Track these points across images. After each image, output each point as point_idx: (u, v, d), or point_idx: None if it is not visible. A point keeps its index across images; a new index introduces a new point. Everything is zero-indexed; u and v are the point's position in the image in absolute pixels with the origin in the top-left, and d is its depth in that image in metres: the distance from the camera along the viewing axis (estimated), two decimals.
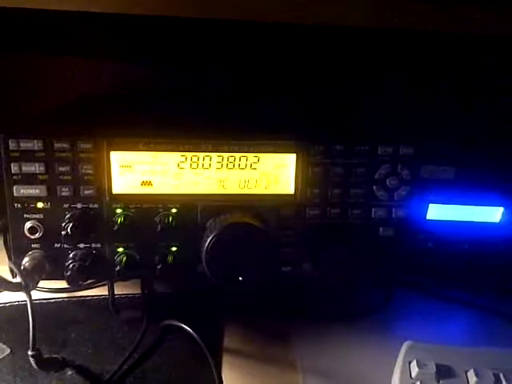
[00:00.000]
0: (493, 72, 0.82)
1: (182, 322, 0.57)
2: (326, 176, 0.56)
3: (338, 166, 0.56)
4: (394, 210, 0.58)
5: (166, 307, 0.62)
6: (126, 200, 0.55)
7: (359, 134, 0.58)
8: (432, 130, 0.63)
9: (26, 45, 0.80)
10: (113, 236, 0.56)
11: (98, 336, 0.58)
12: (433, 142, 0.59)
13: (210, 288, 0.63)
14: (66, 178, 0.54)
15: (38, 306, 0.58)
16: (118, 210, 0.55)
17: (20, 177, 0.53)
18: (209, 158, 0.55)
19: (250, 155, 0.55)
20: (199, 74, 0.83)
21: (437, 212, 0.62)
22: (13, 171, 0.53)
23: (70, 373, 0.52)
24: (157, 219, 0.55)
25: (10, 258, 0.56)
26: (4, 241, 0.58)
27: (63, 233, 0.53)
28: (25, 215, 0.54)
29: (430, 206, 0.62)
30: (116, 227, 0.54)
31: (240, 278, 0.53)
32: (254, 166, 0.56)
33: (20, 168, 0.53)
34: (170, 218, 0.55)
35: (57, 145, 0.53)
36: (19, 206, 0.54)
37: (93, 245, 0.56)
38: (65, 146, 0.53)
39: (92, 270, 0.55)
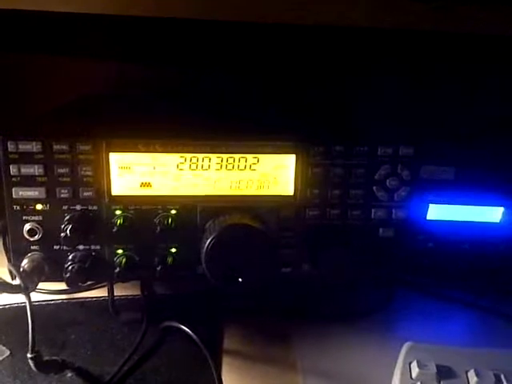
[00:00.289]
0: (493, 72, 0.82)
1: (181, 324, 0.57)
2: (325, 177, 0.56)
3: (337, 166, 0.56)
4: (394, 210, 0.58)
5: (166, 309, 0.62)
6: (126, 201, 0.55)
7: (359, 134, 0.58)
8: (432, 131, 0.63)
9: (25, 46, 0.80)
10: (112, 237, 0.56)
11: (97, 337, 0.57)
12: (432, 143, 0.59)
13: (209, 289, 0.64)
14: (64, 179, 0.54)
15: (37, 308, 0.58)
16: (118, 212, 0.55)
17: (19, 179, 0.53)
18: (208, 159, 0.55)
19: (250, 156, 0.55)
20: (198, 75, 0.83)
21: (437, 212, 0.62)
22: (12, 173, 0.53)
23: (69, 375, 0.52)
24: (156, 220, 0.55)
25: (9, 260, 0.56)
26: (3, 243, 0.58)
27: (62, 234, 0.53)
28: (24, 217, 0.54)
29: (430, 206, 0.62)
30: (115, 229, 0.54)
31: (240, 280, 0.53)
32: (253, 167, 0.55)
33: (19, 170, 0.53)
34: (170, 220, 0.55)
35: (56, 146, 0.53)
36: (18, 208, 0.54)
37: (92, 246, 0.56)
38: (64, 147, 0.53)
39: (91, 271, 0.55)
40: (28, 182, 0.53)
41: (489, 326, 0.63)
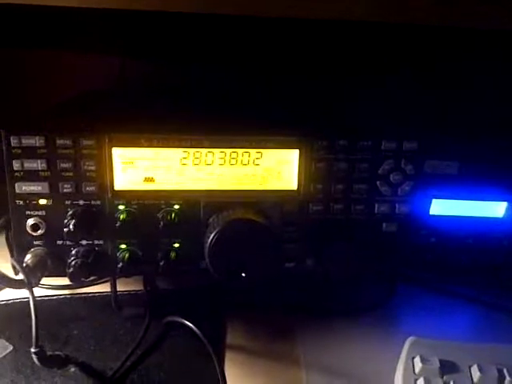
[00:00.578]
0: (496, 66, 0.82)
1: (184, 319, 0.57)
2: (329, 171, 0.56)
3: (341, 161, 0.56)
4: (397, 205, 0.58)
5: (169, 303, 0.62)
6: (129, 196, 0.55)
7: (362, 129, 0.58)
8: (435, 125, 0.62)
9: (27, 41, 0.80)
10: (115, 232, 0.55)
11: (100, 333, 0.57)
12: (436, 137, 0.59)
13: (212, 284, 0.64)
14: (68, 174, 0.54)
15: (40, 303, 0.58)
16: (121, 207, 0.55)
17: (22, 173, 0.53)
18: (211, 154, 0.55)
19: (253, 151, 0.55)
20: (202, 70, 0.83)
21: (440, 207, 0.62)
22: (15, 168, 0.53)
23: (72, 370, 0.52)
24: (159, 215, 0.55)
25: (12, 255, 0.56)
26: (6, 238, 0.58)
27: (65, 229, 0.53)
28: (27, 212, 0.54)
29: (434, 201, 0.62)
30: (118, 224, 0.54)
31: (243, 274, 0.53)
32: (256, 161, 0.55)
33: (22, 165, 0.53)
34: (173, 215, 0.55)
35: (59, 141, 0.52)
36: (21, 202, 0.54)
37: (95, 241, 0.56)
38: (67, 142, 0.53)
39: (94, 266, 0.55)
40: (31, 176, 0.53)
41: (492, 321, 0.63)
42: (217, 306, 0.63)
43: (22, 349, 0.54)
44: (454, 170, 0.60)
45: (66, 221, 0.53)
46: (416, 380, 0.49)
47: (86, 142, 0.53)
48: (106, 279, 0.63)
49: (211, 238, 0.52)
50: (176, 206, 0.56)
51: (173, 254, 0.56)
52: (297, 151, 0.55)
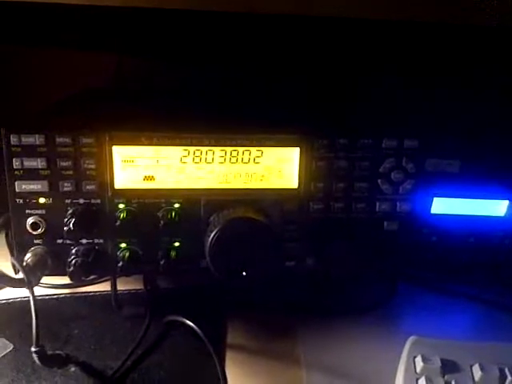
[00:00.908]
0: (498, 64, 0.81)
1: (185, 318, 0.57)
2: (329, 170, 0.56)
3: (341, 159, 0.56)
4: (398, 203, 0.57)
5: (169, 303, 0.62)
6: (129, 195, 0.55)
7: (363, 127, 0.58)
8: (436, 123, 0.62)
9: (26, 39, 0.80)
10: (115, 231, 0.55)
11: (100, 332, 0.57)
12: (437, 135, 0.59)
13: (213, 283, 0.63)
14: (67, 173, 0.53)
15: (40, 302, 0.58)
16: (121, 205, 0.55)
17: (22, 172, 0.53)
18: (212, 152, 0.55)
19: (253, 149, 0.55)
20: (202, 68, 0.83)
21: (441, 206, 0.62)
22: (14, 166, 0.53)
23: (73, 369, 0.52)
24: (159, 214, 0.55)
25: (12, 254, 0.56)
26: (6, 237, 0.58)
27: (65, 228, 0.53)
28: (27, 211, 0.54)
29: (435, 199, 0.61)
30: (118, 222, 0.54)
31: (243, 273, 0.53)
32: (257, 160, 0.55)
33: (22, 163, 0.52)
34: (173, 213, 0.55)
35: (58, 139, 0.52)
36: (21, 201, 0.54)
37: (95, 240, 0.56)
38: (67, 140, 0.52)
39: (94, 265, 0.55)
40: (31, 175, 0.53)
41: (493, 320, 0.63)
42: (217, 305, 0.63)
43: (23, 348, 0.54)
44: (456, 168, 0.60)
45: (66, 219, 0.53)
46: (417, 379, 0.48)
47: (85, 140, 0.53)
48: (106, 278, 0.63)
49: (212, 236, 0.51)
50: (176, 205, 0.55)
51: (173, 253, 0.56)
52: (297, 149, 0.55)
